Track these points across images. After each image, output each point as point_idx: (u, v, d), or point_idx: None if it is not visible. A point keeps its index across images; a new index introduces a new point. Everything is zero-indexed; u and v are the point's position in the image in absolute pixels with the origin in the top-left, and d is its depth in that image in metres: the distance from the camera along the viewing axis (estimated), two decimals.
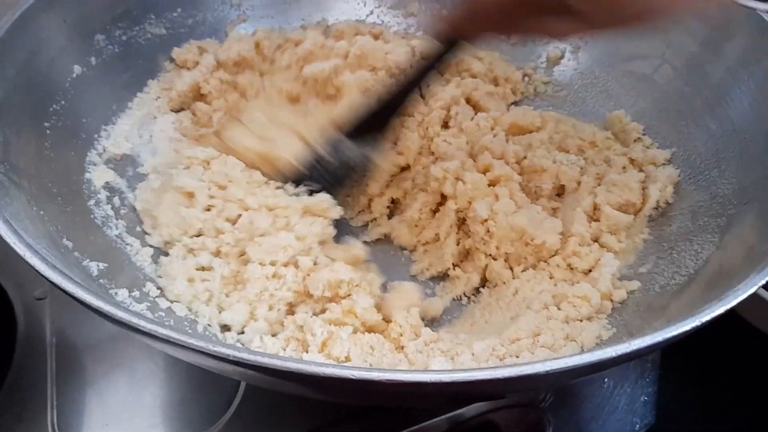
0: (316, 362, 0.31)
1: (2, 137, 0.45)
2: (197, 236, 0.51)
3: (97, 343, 0.60)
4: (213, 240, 0.51)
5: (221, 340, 0.47)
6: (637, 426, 0.56)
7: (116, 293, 0.45)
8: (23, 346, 0.60)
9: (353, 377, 0.29)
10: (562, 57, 0.71)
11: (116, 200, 0.55)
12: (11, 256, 0.36)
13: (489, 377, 0.30)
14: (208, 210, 0.52)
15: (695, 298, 0.44)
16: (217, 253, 0.50)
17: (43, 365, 0.58)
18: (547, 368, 0.30)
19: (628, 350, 0.31)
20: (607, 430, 0.57)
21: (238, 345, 0.47)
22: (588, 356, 0.30)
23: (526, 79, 0.72)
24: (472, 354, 0.45)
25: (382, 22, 0.75)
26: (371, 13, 0.75)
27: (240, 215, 0.52)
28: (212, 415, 0.55)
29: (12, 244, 0.35)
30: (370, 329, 0.49)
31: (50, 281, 0.34)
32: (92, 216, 0.51)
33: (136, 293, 0.47)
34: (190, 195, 0.53)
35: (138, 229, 0.54)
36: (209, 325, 0.48)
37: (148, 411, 0.56)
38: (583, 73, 0.70)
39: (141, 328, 0.31)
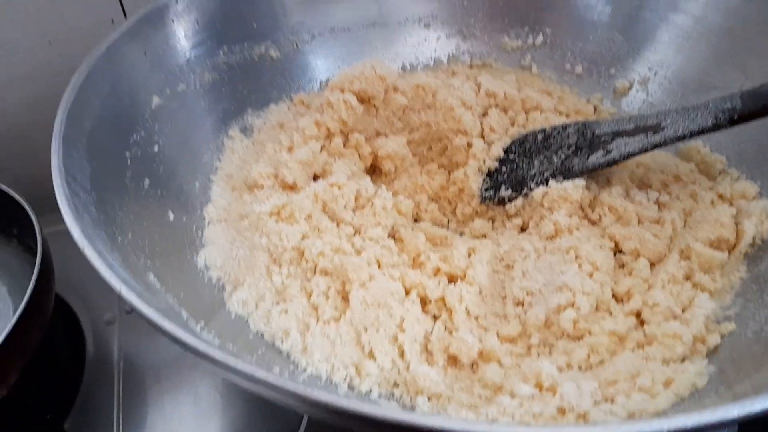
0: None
1: (90, 168, 0.46)
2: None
3: (163, 367, 0.61)
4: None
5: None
6: None
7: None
8: (92, 370, 0.62)
9: None
10: (630, 88, 0.70)
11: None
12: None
13: None
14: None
15: None
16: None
17: (110, 389, 0.60)
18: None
19: (749, 410, 0.29)
20: None
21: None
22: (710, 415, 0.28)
23: (594, 110, 0.71)
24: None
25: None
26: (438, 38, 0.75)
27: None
28: None
29: (102, 272, 0.35)
30: None
31: (144, 315, 0.33)
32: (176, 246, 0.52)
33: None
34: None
35: None
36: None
37: None
38: (653, 104, 0.68)
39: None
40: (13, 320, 0.48)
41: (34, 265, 0.52)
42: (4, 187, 0.58)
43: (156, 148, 0.55)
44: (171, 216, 0.53)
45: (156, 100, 0.56)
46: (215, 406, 0.58)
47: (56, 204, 0.40)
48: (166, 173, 0.55)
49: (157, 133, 0.55)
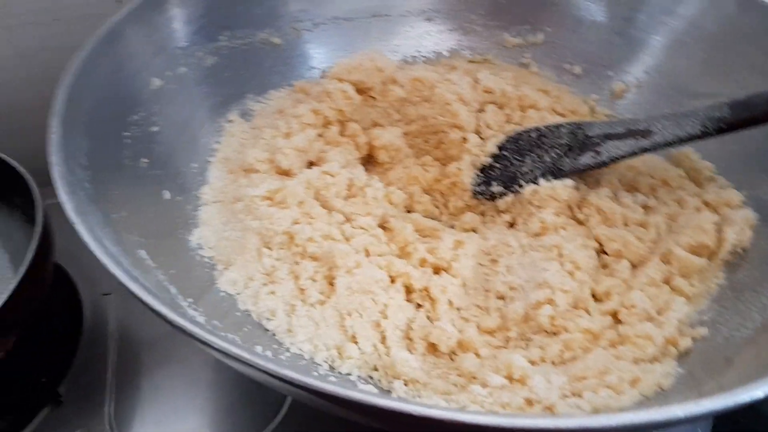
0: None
1: (88, 146, 0.47)
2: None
3: (157, 339, 0.63)
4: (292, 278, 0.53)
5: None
6: None
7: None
8: (88, 338, 0.64)
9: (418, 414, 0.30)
10: (626, 90, 0.71)
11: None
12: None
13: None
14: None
15: (763, 356, 0.43)
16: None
17: (104, 358, 0.62)
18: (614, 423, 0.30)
19: (696, 411, 0.30)
20: None
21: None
22: (654, 413, 0.29)
23: (590, 111, 0.71)
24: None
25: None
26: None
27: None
28: (259, 423, 0.56)
29: (99, 255, 0.37)
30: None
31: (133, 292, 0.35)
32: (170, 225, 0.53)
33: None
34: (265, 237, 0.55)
35: None
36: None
37: (199, 413, 0.58)
38: (647, 109, 0.69)
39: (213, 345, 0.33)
40: (12, 287, 0.50)
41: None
42: (7, 159, 0.60)
43: (155, 129, 0.56)
44: (167, 195, 0.55)
45: (156, 82, 0.58)
46: (206, 380, 0.60)
47: None
48: (164, 154, 0.56)
49: (157, 114, 0.57)
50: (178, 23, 0.60)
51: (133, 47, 0.56)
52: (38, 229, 0.54)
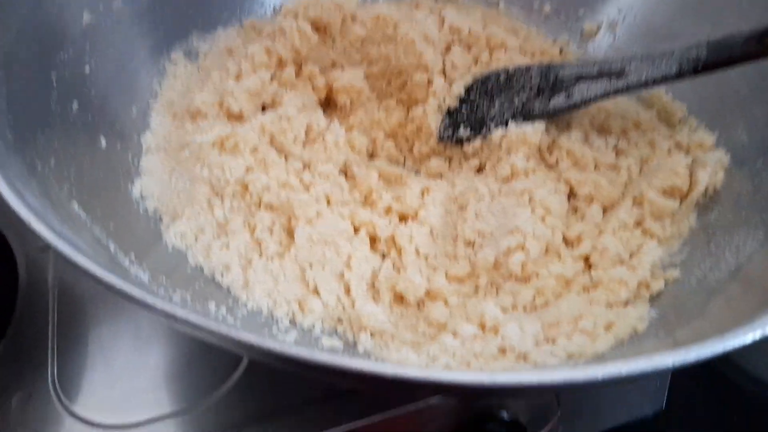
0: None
1: (6, 88, 0.41)
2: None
3: (101, 296, 0.58)
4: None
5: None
6: (648, 411, 0.56)
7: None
8: (24, 298, 0.58)
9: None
10: (597, 31, 0.68)
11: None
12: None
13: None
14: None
15: (737, 301, 0.42)
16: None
17: (44, 318, 0.57)
18: (572, 378, 0.28)
19: (670, 363, 0.28)
20: (617, 413, 0.57)
21: None
22: (645, 363, 0.27)
23: (560, 52, 0.68)
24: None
25: None
26: None
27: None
28: (216, 381, 0.53)
29: (10, 201, 0.32)
30: None
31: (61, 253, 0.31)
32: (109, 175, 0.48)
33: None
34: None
35: None
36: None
37: (152, 372, 0.54)
38: (619, 49, 0.66)
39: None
40: None
41: None
42: None
43: (87, 69, 0.50)
44: (103, 143, 0.50)
45: (87, 17, 0.51)
46: (157, 338, 0.56)
47: None
48: (98, 97, 0.51)
49: (89, 53, 0.51)
50: None
51: None
52: None
